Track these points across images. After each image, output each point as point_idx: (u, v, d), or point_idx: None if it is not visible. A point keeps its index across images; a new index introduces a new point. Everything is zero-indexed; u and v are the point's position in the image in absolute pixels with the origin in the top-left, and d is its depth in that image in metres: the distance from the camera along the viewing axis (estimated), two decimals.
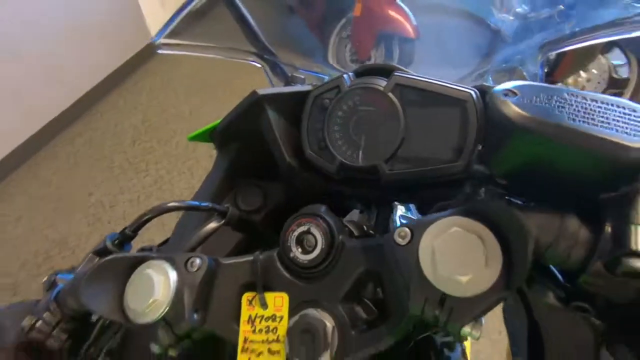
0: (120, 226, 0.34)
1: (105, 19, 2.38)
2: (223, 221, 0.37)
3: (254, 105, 0.39)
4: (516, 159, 0.21)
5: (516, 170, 0.22)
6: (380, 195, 0.39)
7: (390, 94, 0.36)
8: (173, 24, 0.35)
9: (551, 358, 0.23)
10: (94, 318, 0.32)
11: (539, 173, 0.21)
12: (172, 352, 0.30)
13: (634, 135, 0.18)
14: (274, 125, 0.39)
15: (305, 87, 0.40)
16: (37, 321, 0.27)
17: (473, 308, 0.22)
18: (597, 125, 0.19)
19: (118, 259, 0.29)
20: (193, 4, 0.36)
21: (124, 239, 0.34)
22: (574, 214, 0.20)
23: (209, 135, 0.43)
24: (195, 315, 0.29)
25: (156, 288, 0.28)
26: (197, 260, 0.30)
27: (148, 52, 2.69)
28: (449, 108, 0.33)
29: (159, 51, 0.38)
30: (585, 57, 1.53)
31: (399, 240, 0.25)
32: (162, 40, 0.37)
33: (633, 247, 0.17)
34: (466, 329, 0.22)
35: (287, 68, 0.48)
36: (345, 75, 0.39)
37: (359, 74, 0.39)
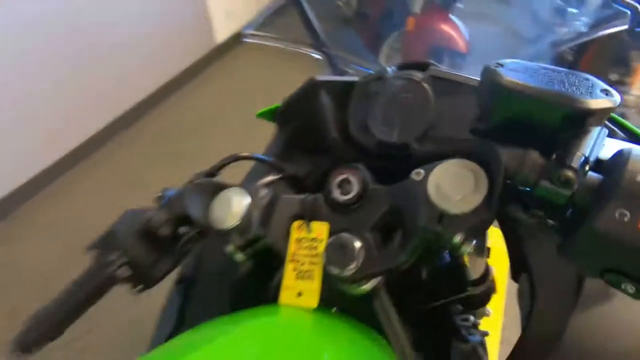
0: None
1: (175, 24, 2.65)
2: (280, 175, 0.47)
3: (311, 88, 0.49)
4: (501, 114, 0.29)
5: (500, 122, 0.30)
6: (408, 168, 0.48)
7: (424, 84, 0.45)
8: (260, 20, 0.46)
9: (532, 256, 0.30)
10: (181, 231, 0.43)
11: (516, 123, 0.28)
12: (239, 257, 0.40)
13: (585, 94, 0.26)
14: (325, 106, 0.49)
15: (354, 78, 0.50)
16: (152, 216, 0.39)
17: (463, 222, 0.30)
18: (560, 88, 0.26)
19: (210, 181, 0.40)
20: (276, 6, 0.48)
21: (207, 176, 0.45)
22: (536, 150, 0.28)
23: (272, 114, 0.54)
24: (259, 230, 0.39)
25: (234, 205, 0.39)
26: (264, 191, 0.40)
27: (211, 58, 2.94)
28: (470, 96, 0.41)
29: (244, 40, 0.49)
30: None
31: (415, 177, 0.34)
32: (249, 32, 0.49)
33: (571, 163, 0.25)
34: (457, 240, 0.30)
35: (341, 62, 0.58)
36: (388, 68, 0.48)
37: (400, 67, 0.48)
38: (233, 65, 2.95)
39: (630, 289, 0.25)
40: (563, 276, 0.34)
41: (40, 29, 1.94)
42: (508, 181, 0.28)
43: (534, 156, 0.27)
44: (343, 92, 0.49)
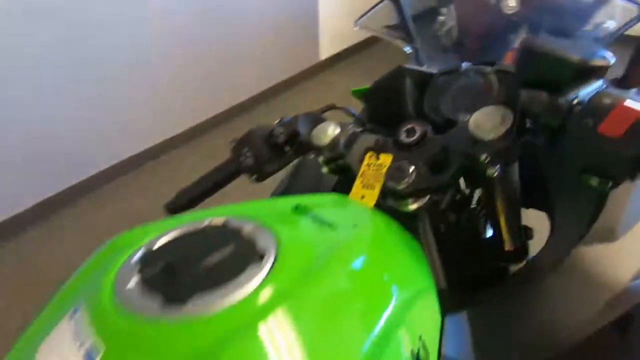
0: None
1: (289, 38, 3.00)
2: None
3: (398, 73, 0.64)
4: (529, 71, 0.41)
5: (528, 78, 0.41)
6: None
7: (491, 75, 0.57)
8: (369, 13, 0.63)
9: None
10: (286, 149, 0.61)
11: (539, 78, 0.40)
12: (325, 169, 0.56)
13: (589, 57, 0.37)
14: (406, 88, 0.63)
15: (433, 70, 0.64)
16: (274, 128, 0.58)
17: (490, 145, 0.42)
18: (573, 52, 0.38)
19: (315, 114, 0.58)
20: (382, 4, 0.64)
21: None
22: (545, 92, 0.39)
23: (362, 93, 0.70)
24: (343, 150, 0.54)
25: (329, 130, 0.55)
26: (351, 128, 0.56)
27: (314, 72, 3.26)
28: None
29: (356, 28, 0.67)
30: None
31: (462, 120, 0.47)
32: (360, 22, 0.66)
33: (564, 101, 0.36)
34: (484, 158, 0.42)
35: (426, 59, 0.72)
36: (463, 63, 0.61)
37: (472, 64, 0.61)
38: (332, 79, 3.25)
39: (594, 181, 0.35)
40: (576, 213, 0.43)
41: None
42: (525, 117, 0.40)
43: (543, 95, 0.38)
44: (422, 80, 0.63)
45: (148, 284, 0.27)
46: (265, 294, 0.27)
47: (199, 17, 2.42)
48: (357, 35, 3.40)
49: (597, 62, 0.36)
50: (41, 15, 1.80)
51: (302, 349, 0.26)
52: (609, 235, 0.41)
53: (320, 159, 0.55)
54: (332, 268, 0.32)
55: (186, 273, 0.28)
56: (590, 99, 0.35)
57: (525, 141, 0.43)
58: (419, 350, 0.33)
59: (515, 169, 0.47)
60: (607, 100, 0.34)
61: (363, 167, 0.54)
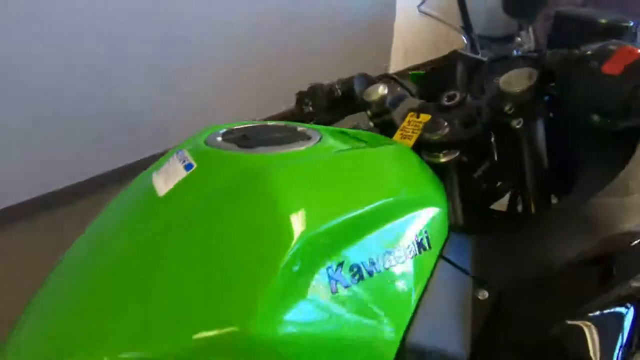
0: None
1: (362, 51, 3.11)
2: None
3: (452, 56, 0.72)
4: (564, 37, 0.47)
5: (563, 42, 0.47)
6: None
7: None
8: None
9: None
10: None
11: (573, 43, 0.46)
12: (371, 123, 0.65)
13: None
14: (458, 72, 0.71)
15: (484, 58, 0.71)
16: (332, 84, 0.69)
17: (514, 97, 0.48)
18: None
19: (369, 75, 0.68)
20: None
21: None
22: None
23: (419, 77, 0.78)
24: (389, 107, 0.63)
25: (379, 89, 0.64)
26: (398, 90, 0.65)
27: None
28: None
29: (419, 10, 0.76)
30: None
31: (495, 79, 0.53)
32: (421, 8, 0.75)
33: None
34: (508, 109, 0.48)
35: (480, 49, 0.79)
36: (514, 51, 0.67)
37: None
38: None
39: (596, 119, 0.40)
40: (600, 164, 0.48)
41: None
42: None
43: (563, 50, 0.44)
44: (474, 65, 0.70)
45: (228, 140, 0.39)
46: (308, 152, 0.37)
47: (274, 19, 2.58)
48: (429, 53, 3.44)
49: (619, 22, 0.42)
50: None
51: (324, 187, 0.36)
52: (623, 191, 0.45)
53: (368, 113, 0.64)
54: (358, 154, 0.42)
55: (255, 138, 0.40)
56: (600, 45, 0.41)
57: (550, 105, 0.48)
58: (421, 240, 0.40)
59: (539, 128, 0.52)
60: (613, 46, 0.39)
61: (404, 123, 0.62)
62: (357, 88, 0.67)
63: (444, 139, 0.56)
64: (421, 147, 0.58)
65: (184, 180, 0.36)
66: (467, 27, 0.76)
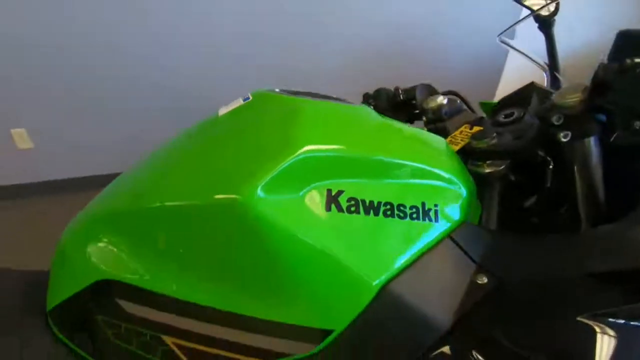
0: None
1: (473, 76, 2.96)
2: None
3: (529, 87, 0.72)
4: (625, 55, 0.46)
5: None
6: None
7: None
8: (512, 27, 0.74)
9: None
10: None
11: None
12: (425, 128, 0.68)
13: None
14: (532, 102, 0.71)
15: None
16: (395, 90, 0.74)
17: (567, 108, 0.48)
18: None
19: (431, 86, 0.72)
20: (525, 17, 0.74)
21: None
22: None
23: (490, 106, 0.79)
24: (444, 116, 0.66)
25: (439, 99, 0.68)
26: (457, 104, 0.68)
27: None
28: None
29: (499, 41, 0.78)
30: None
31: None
32: (502, 38, 0.77)
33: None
34: (555, 120, 0.49)
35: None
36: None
37: None
38: None
39: (637, 125, 0.38)
40: None
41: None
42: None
43: (616, 64, 0.43)
44: (547, 97, 0.70)
45: (284, 91, 0.47)
46: (349, 107, 0.46)
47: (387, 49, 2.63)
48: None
49: None
50: None
51: (347, 127, 0.43)
52: None
53: (424, 119, 0.67)
54: (396, 124, 0.49)
55: (307, 93, 0.47)
56: None
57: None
58: (429, 210, 0.42)
59: (592, 147, 0.50)
60: None
61: (455, 132, 0.65)
62: (418, 96, 0.72)
63: (490, 147, 0.56)
64: (468, 156, 0.59)
65: (239, 106, 0.45)
66: (552, 65, 0.75)
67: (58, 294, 0.44)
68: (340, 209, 0.38)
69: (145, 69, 2.14)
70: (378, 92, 0.76)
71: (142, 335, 0.40)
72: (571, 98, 0.49)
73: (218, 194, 0.36)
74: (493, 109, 0.79)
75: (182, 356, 0.40)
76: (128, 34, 2.03)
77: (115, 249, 0.41)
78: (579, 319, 0.36)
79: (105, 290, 0.41)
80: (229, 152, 0.40)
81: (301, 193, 0.37)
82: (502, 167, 0.57)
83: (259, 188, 0.35)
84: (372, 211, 0.39)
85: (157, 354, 0.40)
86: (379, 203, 0.40)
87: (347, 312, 0.38)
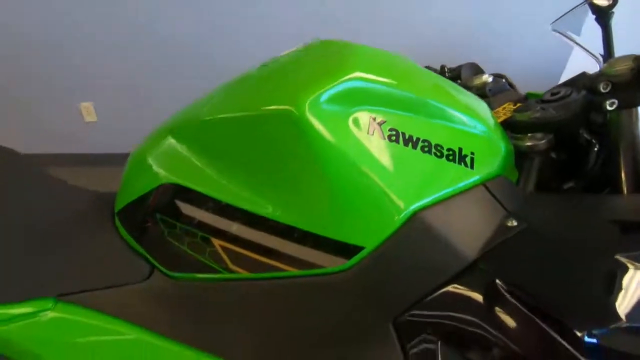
0: None
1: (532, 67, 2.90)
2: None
3: (578, 78, 0.72)
4: None
5: None
6: None
7: None
8: (565, 15, 0.74)
9: None
10: None
11: None
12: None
13: None
14: (581, 92, 0.71)
15: None
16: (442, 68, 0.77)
17: (615, 76, 0.48)
18: None
19: (475, 64, 0.74)
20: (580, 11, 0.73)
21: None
22: None
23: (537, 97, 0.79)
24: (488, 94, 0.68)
25: (484, 77, 0.69)
26: (502, 83, 0.69)
27: None
28: None
29: (552, 29, 0.78)
30: None
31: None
32: (555, 26, 0.77)
33: None
34: (602, 87, 0.49)
35: None
36: None
37: None
38: None
39: None
40: None
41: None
42: None
43: None
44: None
45: None
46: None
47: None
48: None
49: None
50: None
51: (399, 67, 0.47)
52: None
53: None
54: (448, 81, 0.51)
55: None
56: None
57: None
58: (465, 156, 0.45)
59: (639, 115, 0.50)
60: None
61: (498, 108, 0.66)
62: (464, 74, 0.74)
63: (532, 119, 0.57)
64: (509, 129, 0.60)
65: (299, 48, 0.51)
66: (607, 58, 0.74)
67: (126, 196, 0.50)
68: (381, 136, 0.41)
69: (215, 48, 2.20)
70: (425, 69, 0.79)
71: (193, 235, 0.46)
72: (621, 66, 0.49)
73: (273, 105, 0.40)
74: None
75: (225, 258, 0.45)
76: (200, 11, 2.10)
77: (180, 157, 0.47)
78: (616, 257, 0.36)
79: (167, 193, 0.47)
80: (286, 75, 0.45)
81: (348, 113, 0.41)
82: (544, 141, 0.57)
83: (310, 101, 0.39)
84: (410, 144, 0.42)
85: (204, 254, 0.45)
86: (418, 138, 0.43)
87: (379, 231, 0.41)
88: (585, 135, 0.57)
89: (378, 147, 0.41)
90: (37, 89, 2.27)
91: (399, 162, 0.42)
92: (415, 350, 0.41)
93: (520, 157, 0.57)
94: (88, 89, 2.28)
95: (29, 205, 0.56)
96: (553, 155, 0.60)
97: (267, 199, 0.43)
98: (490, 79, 0.70)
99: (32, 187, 0.60)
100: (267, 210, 0.43)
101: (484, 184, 0.46)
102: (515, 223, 0.43)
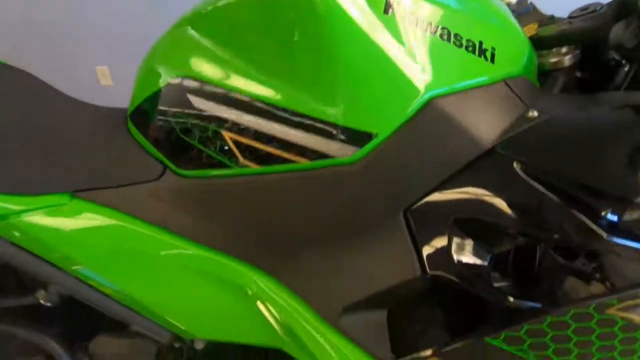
0: None
1: None
2: None
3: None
4: None
5: None
6: None
7: None
8: None
9: None
10: None
11: None
12: None
13: None
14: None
15: None
16: None
17: None
18: None
19: None
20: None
21: None
22: None
23: None
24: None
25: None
26: (529, 2, 0.66)
27: None
28: None
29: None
30: None
31: None
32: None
33: None
34: None
35: None
36: None
37: None
38: None
39: None
40: None
41: None
42: None
43: None
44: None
45: None
46: None
47: None
48: None
49: None
50: None
51: None
52: None
53: None
54: None
55: None
56: None
57: None
58: (485, 49, 0.43)
59: None
60: None
61: (524, 29, 0.63)
62: None
63: (558, 32, 0.54)
64: (534, 46, 0.57)
65: None
66: None
67: (139, 96, 0.50)
68: (399, 17, 0.40)
69: None
70: None
71: (204, 130, 0.45)
72: None
73: None
74: None
75: (236, 152, 0.44)
76: None
77: (190, 49, 0.46)
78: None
79: (177, 88, 0.46)
80: None
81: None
82: (569, 56, 0.55)
83: None
84: (428, 29, 0.41)
85: (215, 148, 0.45)
86: (437, 25, 0.41)
87: (393, 117, 0.40)
88: (615, 55, 0.54)
89: (394, 28, 0.39)
90: (53, 51, 2.29)
91: (416, 45, 0.40)
92: (425, 240, 0.40)
93: (543, 76, 0.55)
94: (104, 52, 2.30)
95: (46, 113, 0.57)
96: (578, 74, 0.57)
97: (278, 87, 0.42)
98: (514, 0, 0.66)
99: (49, 100, 0.60)
100: (277, 98, 0.42)
101: (505, 81, 0.45)
102: (536, 114, 0.41)
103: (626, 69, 0.54)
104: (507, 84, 0.44)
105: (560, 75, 0.55)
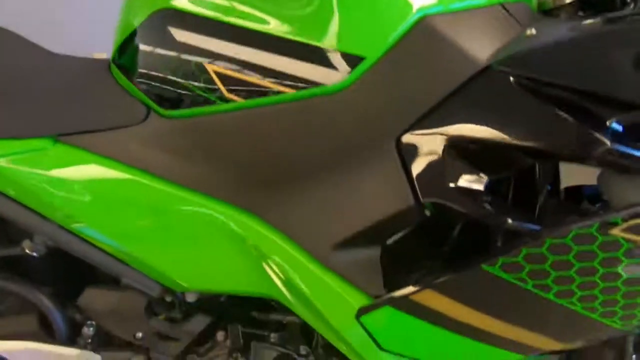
0: None
1: None
2: None
3: None
4: None
5: None
6: None
7: None
8: None
9: None
10: None
11: None
12: None
13: None
14: None
15: None
16: None
17: None
18: None
19: None
20: None
21: None
22: None
23: None
24: None
25: None
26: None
27: None
28: None
29: None
30: None
31: None
32: None
33: None
34: None
35: None
36: None
37: None
38: None
39: None
40: None
41: None
42: None
43: None
44: None
45: None
46: None
47: None
48: None
49: None
50: None
51: None
52: None
53: None
54: None
55: None
56: None
57: None
58: None
59: None
60: None
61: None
62: None
63: None
64: None
65: None
66: None
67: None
68: None
69: None
70: None
71: (187, 64, 0.43)
72: None
73: None
74: None
75: (220, 85, 0.43)
76: None
77: None
78: None
79: (159, 21, 0.44)
80: None
81: None
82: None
83: None
84: None
85: (199, 81, 0.43)
86: None
87: (383, 37, 0.38)
88: None
89: None
90: (50, 37, 2.28)
91: None
92: (419, 167, 0.38)
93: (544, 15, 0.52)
94: (102, 39, 2.28)
95: (28, 63, 0.55)
96: (581, 14, 0.55)
97: (261, 12, 0.40)
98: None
99: (32, 54, 0.59)
100: (261, 24, 0.40)
101: (503, 4, 0.42)
102: (534, 32, 0.39)
103: (631, 7, 0.52)
104: (504, 7, 0.42)
105: (562, 14, 0.53)
